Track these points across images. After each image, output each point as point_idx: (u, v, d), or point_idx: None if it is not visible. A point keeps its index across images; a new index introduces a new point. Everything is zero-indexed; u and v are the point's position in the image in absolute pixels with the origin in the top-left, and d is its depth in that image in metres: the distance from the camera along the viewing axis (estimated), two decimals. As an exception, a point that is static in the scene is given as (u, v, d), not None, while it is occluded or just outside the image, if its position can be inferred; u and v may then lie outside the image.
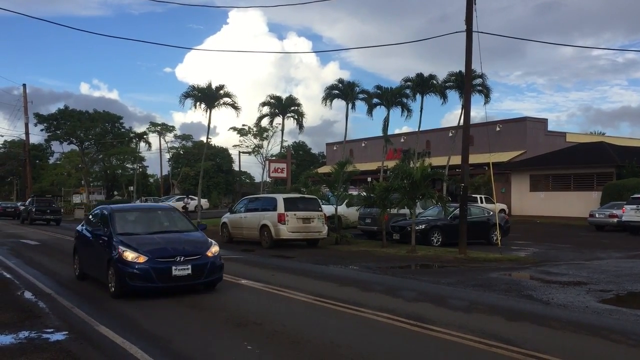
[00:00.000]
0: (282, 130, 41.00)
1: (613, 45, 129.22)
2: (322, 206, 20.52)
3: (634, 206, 24.97)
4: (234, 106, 35.67)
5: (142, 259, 9.23)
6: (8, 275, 12.35)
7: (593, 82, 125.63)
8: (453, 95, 35.64)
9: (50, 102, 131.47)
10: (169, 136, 69.37)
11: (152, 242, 9.78)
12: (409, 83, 35.62)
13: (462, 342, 6.60)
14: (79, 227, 12.34)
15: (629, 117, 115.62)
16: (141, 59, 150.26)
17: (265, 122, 42.29)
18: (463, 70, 19.42)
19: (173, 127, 71.64)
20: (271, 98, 39.61)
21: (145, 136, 59.68)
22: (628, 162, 33.15)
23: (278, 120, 40.75)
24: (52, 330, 7.23)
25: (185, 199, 45.87)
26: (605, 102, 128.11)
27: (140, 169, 68.07)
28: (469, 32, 17.19)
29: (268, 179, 38.49)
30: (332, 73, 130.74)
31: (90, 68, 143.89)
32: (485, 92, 34.30)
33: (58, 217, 37.46)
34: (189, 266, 9.42)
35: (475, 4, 17.00)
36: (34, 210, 36.83)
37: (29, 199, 39.89)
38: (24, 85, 49.20)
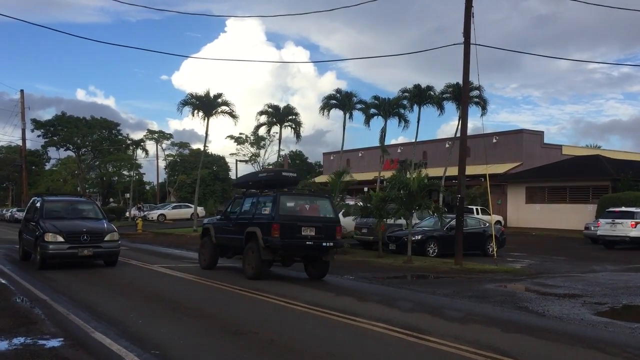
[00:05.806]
0: (280, 139, 41.09)
1: (609, 59, 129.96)
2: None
3: (609, 220, 24.63)
4: (232, 115, 35.90)
5: None
6: (3, 281, 12.31)
7: (589, 96, 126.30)
8: (450, 107, 35.87)
9: (42, 107, 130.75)
10: (166, 143, 69.46)
11: None
12: (406, 94, 35.76)
13: (458, 353, 6.61)
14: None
15: (619, 130, 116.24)
16: (138, 66, 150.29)
17: (262, 131, 42.36)
18: (460, 81, 19.55)
19: (170, 134, 71.74)
20: (269, 107, 39.66)
21: (142, 143, 59.83)
22: (624, 176, 33.31)
23: (275, 129, 40.85)
24: (47, 336, 7.21)
25: (140, 204, 43.96)
26: (601, 116, 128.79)
27: (137, 176, 67.97)
28: (467, 44, 17.32)
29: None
30: (329, 83, 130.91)
31: (87, 74, 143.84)
32: (482, 104, 34.44)
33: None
34: None
35: (473, 17, 17.15)
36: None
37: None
38: (22, 91, 48.94)
